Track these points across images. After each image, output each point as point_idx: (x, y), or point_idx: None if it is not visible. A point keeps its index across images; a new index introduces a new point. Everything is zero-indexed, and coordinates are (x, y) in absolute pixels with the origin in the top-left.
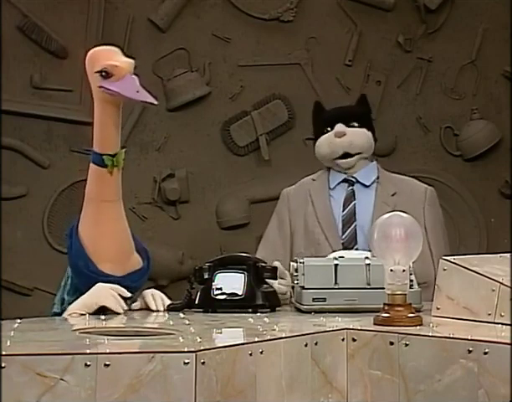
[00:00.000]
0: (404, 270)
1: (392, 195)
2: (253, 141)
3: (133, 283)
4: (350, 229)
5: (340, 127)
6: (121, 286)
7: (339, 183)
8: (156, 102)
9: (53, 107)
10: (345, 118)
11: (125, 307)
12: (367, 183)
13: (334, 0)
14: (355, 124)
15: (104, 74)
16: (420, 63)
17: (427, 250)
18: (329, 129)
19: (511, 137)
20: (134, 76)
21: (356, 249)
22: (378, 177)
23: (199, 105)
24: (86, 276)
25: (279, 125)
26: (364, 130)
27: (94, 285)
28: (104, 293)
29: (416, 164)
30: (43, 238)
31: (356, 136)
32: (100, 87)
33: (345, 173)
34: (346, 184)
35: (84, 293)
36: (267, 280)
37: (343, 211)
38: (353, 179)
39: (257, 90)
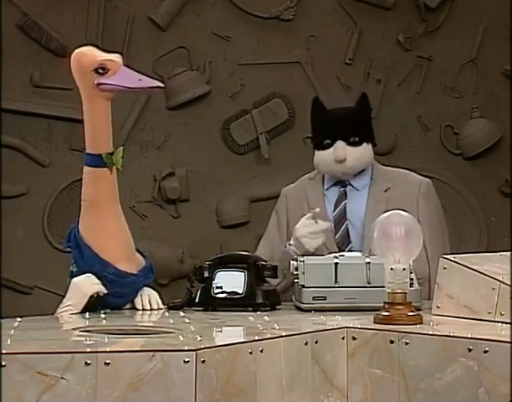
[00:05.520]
0: (404, 269)
1: (386, 191)
2: (253, 139)
3: (147, 279)
4: (342, 228)
5: (340, 150)
6: (137, 283)
7: (333, 184)
8: (162, 85)
9: (53, 106)
10: (345, 132)
11: (105, 291)
12: (359, 188)
13: None
14: (356, 139)
15: (101, 70)
16: (420, 61)
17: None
18: (329, 141)
19: (511, 136)
20: (126, 68)
21: (350, 248)
22: (372, 176)
23: (199, 104)
24: (108, 280)
25: (279, 123)
26: (364, 146)
27: (122, 286)
28: (86, 284)
29: (416, 163)
30: (44, 236)
31: (356, 160)
32: (99, 84)
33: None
34: (340, 185)
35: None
36: (267, 278)
37: (333, 211)
38: (347, 182)
39: (257, 89)
